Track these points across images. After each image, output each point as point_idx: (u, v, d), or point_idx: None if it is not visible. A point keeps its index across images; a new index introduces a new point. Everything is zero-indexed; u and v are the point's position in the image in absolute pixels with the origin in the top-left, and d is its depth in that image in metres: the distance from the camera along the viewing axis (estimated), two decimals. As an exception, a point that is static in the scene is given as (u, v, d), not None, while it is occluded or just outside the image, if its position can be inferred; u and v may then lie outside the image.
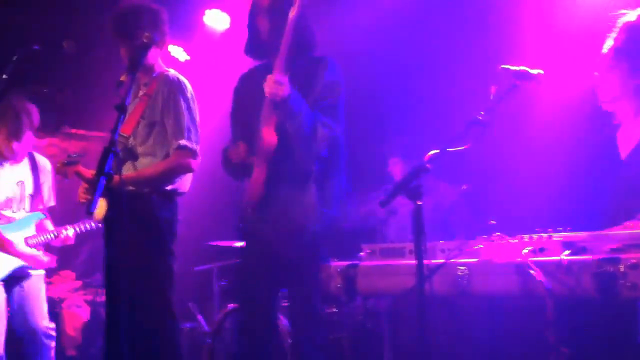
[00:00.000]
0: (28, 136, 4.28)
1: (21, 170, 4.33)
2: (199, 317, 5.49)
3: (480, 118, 2.74)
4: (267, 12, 3.13)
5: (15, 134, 4.19)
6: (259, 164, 3.04)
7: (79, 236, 4.50)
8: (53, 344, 4.33)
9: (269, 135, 3.00)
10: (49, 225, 4.47)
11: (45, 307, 4.36)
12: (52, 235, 4.37)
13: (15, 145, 4.22)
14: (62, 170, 3.35)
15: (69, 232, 4.41)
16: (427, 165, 2.57)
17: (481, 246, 3.05)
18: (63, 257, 6.86)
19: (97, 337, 6.04)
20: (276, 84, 2.89)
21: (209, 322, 5.39)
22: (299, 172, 3.05)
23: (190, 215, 3.62)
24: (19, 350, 4.20)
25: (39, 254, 4.33)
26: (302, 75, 3.09)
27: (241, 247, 3.34)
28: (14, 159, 4.30)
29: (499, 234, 2.98)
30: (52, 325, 4.40)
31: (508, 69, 2.82)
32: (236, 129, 3.30)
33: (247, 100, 3.24)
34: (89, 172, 3.34)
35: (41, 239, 4.34)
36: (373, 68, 5.21)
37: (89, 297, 6.38)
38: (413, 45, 5.16)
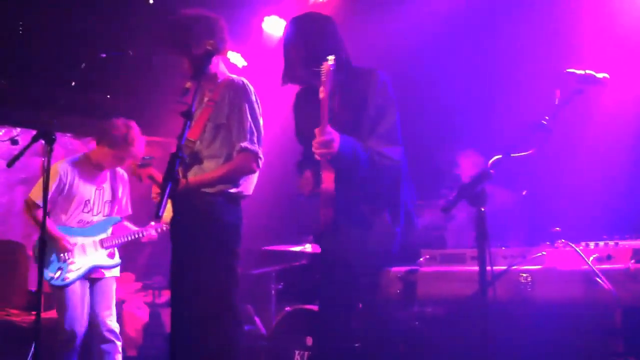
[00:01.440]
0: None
1: (103, 178, 4.69)
2: (256, 319, 5.55)
3: (545, 123, 2.70)
4: (285, 46, 3.18)
5: (125, 152, 4.55)
6: (324, 206, 3.05)
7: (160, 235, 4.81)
8: (119, 343, 4.61)
9: (327, 183, 3.01)
10: (129, 226, 4.82)
11: (113, 308, 4.66)
12: (130, 237, 4.71)
13: (116, 161, 4.61)
14: (137, 172, 3.50)
15: (151, 231, 4.75)
16: (491, 170, 2.54)
17: (544, 253, 3.01)
18: (124, 259, 7.05)
19: (156, 338, 6.17)
20: (322, 146, 2.89)
21: (265, 325, 5.43)
22: (365, 205, 3.07)
23: (248, 218, 3.66)
24: (86, 343, 4.53)
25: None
26: (354, 93, 3.07)
27: (319, 267, 3.39)
28: (102, 168, 4.66)
29: (563, 240, 2.93)
30: (117, 325, 4.65)
31: (573, 73, 2.77)
32: (303, 145, 3.35)
33: (304, 118, 3.28)
34: (161, 176, 3.44)
35: (116, 241, 4.68)
36: (434, 71, 5.17)
37: (149, 299, 6.52)
38: (475, 48, 5.10)
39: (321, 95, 2.91)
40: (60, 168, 4.50)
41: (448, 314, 3.61)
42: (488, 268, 2.57)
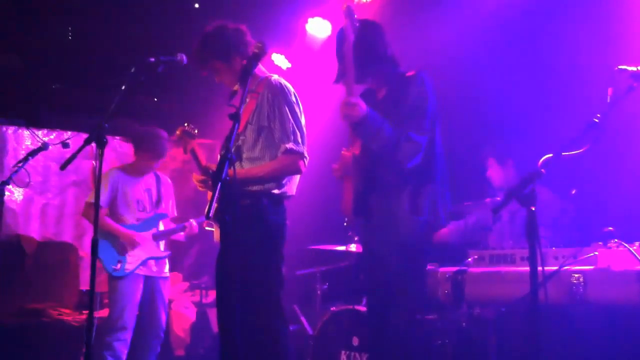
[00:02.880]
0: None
1: (148, 181, 5.11)
2: (303, 319, 5.56)
3: (597, 120, 2.65)
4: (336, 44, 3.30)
5: (160, 157, 5.03)
6: (349, 179, 3.20)
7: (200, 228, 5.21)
8: (162, 336, 5.02)
9: (347, 152, 3.18)
10: (171, 224, 5.20)
11: (165, 308, 5.05)
12: (175, 230, 5.09)
13: (155, 164, 5.08)
14: (181, 138, 3.67)
15: (192, 222, 5.12)
16: (542, 170, 2.51)
17: (596, 253, 2.96)
18: (172, 259, 7.16)
19: (203, 338, 6.24)
20: (348, 106, 2.98)
21: (311, 325, 5.45)
22: (386, 184, 3.12)
23: (293, 219, 3.67)
24: (139, 335, 4.88)
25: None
26: (395, 93, 3.17)
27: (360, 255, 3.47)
28: (147, 173, 5.10)
29: (616, 240, 2.87)
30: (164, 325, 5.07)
31: (625, 69, 2.72)
32: None
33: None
34: (204, 158, 3.61)
35: (165, 234, 5.07)
36: (482, 71, 5.10)
37: (196, 299, 6.60)
38: (522, 47, 5.03)
39: (345, 45, 3.04)
40: (111, 175, 4.96)
41: (497, 315, 3.57)
42: (539, 268, 2.54)
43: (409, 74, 3.22)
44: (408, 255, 3.08)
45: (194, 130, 3.75)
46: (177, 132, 3.72)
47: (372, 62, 3.18)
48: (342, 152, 3.19)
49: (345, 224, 3.35)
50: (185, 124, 3.75)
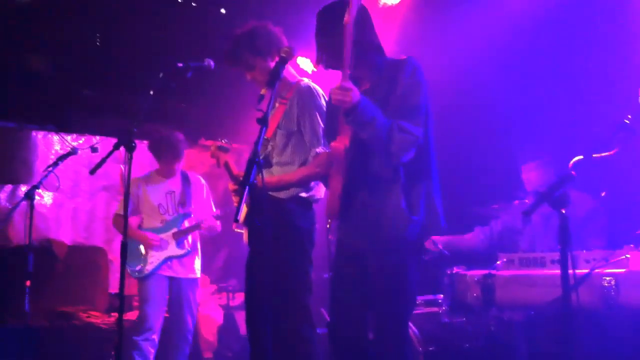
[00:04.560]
0: (183, 158, 5.27)
1: (172, 184, 5.18)
2: (330, 323, 5.55)
3: (628, 122, 2.62)
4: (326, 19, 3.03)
5: (177, 158, 5.14)
6: (335, 174, 2.93)
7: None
8: (189, 338, 5.05)
9: (337, 143, 2.91)
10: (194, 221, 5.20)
11: (194, 310, 5.07)
12: (193, 226, 5.07)
13: (176, 166, 5.17)
14: (216, 154, 3.68)
15: (209, 221, 5.10)
16: (572, 172, 2.48)
17: (628, 256, 2.92)
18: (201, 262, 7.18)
19: (231, 341, 6.27)
20: (342, 91, 2.70)
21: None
22: (378, 179, 2.87)
23: (320, 221, 3.66)
24: (166, 336, 4.95)
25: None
26: (385, 81, 2.94)
27: (332, 259, 3.11)
28: (172, 176, 5.18)
29: (649, 243, 2.83)
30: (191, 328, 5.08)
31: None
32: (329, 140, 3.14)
33: (334, 113, 3.06)
34: (236, 169, 3.57)
35: (184, 232, 5.07)
36: (514, 72, 5.06)
37: (223, 302, 6.64)
38: (551, 48, 4.99)
39: (345, 19, 2.74)
40: (132, 186, 5.02)
41: (526, 318, 3.54)
42: (570, 272, 2.50)
43: (399, 58, 2.97)
44: (397, 256, 2.82)
45: (229, 145, 3.74)
46: (212, 148, 3.70)
47: (362, 51, 2.89)
48: (332, 144, 2.92)
49: (328, 225, 2.99)
50: (221, 140, 3.75)
